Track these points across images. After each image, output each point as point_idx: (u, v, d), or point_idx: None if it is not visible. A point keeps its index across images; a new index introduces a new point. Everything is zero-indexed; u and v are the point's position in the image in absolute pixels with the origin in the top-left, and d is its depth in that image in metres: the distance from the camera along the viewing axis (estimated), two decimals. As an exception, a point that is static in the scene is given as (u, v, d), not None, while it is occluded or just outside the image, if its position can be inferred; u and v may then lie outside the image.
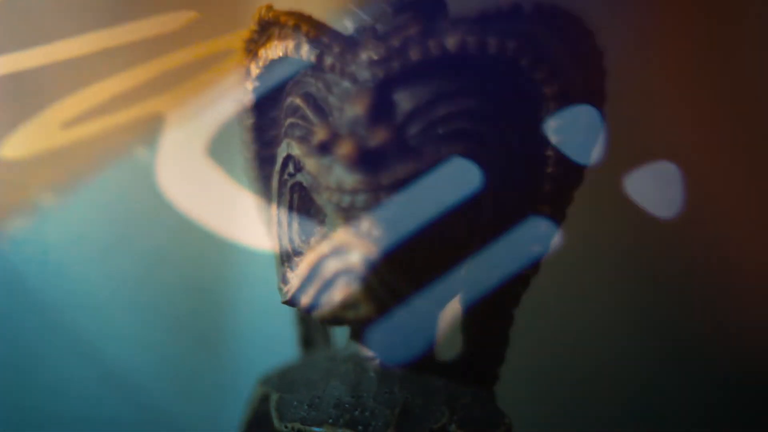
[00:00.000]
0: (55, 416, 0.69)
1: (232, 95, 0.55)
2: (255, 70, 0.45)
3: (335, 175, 0.39)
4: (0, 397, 0.69)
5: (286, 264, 0.43)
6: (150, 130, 0.66)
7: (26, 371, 0.69)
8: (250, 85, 0.45)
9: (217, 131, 0.65)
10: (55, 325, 0.68)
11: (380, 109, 0.39)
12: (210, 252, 0.69)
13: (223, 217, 0.66)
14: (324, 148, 0.39)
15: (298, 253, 0.42)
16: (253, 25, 0.44)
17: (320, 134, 0.39)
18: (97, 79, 0.62)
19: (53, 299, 0.68)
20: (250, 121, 0.46)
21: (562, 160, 0.42)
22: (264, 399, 0.46)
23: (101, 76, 0.62)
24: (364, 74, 0.39)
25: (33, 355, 0.69)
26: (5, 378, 0.69)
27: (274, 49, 0.43)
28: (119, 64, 0.62)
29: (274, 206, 0.44)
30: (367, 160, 0.38)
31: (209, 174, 0.65)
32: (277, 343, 0.57)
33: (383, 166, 0.38)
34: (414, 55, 0.39)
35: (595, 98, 0.42)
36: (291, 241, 0.43)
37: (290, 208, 0.43)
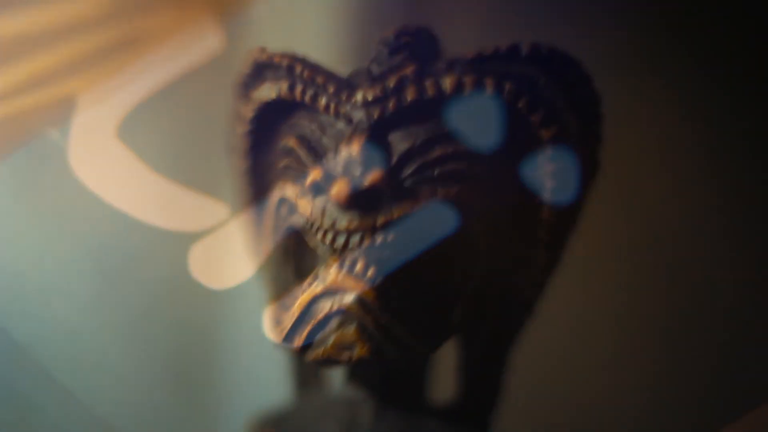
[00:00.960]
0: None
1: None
2: (248, 114, 0.44)
3: (329, 216, 0.39)
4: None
5: (279, 305, 0.42)
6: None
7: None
8: (242, 129, 0.45)
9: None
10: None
11: (375, 149, 0.39)
12: (194, 289, 0.68)
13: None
14: (317, 189, 0.39)
15: (291, 295, 0.42)
16: (245, 68, 0.44)
17: (314, 175, 0.39)
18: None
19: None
20: (243, 165, 0.46)
21: (557, 205, 0.42)
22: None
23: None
24: (359, 115, 0.39)
25: None
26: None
27: (268, 91, 0.42)
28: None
29: (267, 249, 0.44)
30: (361, 201, 0.38)
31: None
32: (266, 385, 0.57)
33: (378, 207, 0.38)
34: (410, 95, 0.38)
35: (591, 142, 0.42)
36: (284, 282, 0.42)
37: (284, 251, 0.42)
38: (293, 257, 0.42)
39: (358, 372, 0.44)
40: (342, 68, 0.42)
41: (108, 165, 0.65)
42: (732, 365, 0.62)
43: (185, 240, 0.65)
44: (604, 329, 0.63)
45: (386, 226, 0.38)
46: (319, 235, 0.39)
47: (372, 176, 0.38)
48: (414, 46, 0.40)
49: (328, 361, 0.40)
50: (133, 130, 0.64)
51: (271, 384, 0.57)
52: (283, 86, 0.41)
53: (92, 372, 0.69)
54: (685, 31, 0.58)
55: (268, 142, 0.44)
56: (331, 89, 0.40)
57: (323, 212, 0.39)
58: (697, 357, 0.63)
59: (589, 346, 0.63)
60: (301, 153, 0.41)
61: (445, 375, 0.47)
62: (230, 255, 0.64)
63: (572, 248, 0.44)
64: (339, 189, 0.38)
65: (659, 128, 0.59)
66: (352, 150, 0.39)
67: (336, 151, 0.39)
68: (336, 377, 0.46)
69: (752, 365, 0.62)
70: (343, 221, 0.38)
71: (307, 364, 0.47)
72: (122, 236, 0.68)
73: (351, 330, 0.39)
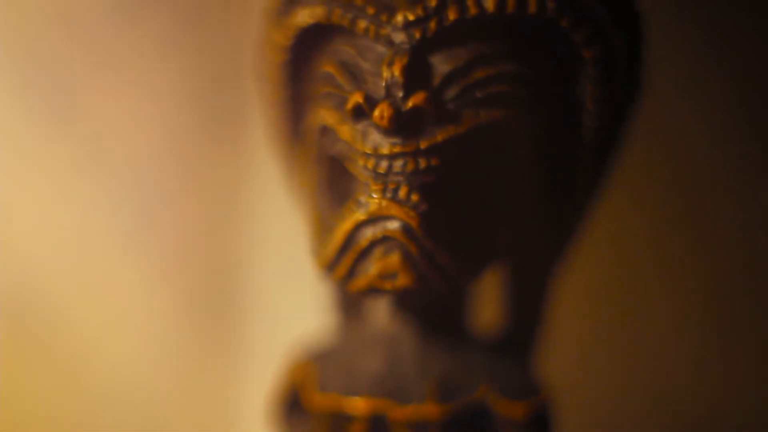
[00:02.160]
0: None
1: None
2: (284, 42, 0.43)
3: (371, 140, 0.38)
4: None
5: (320, 235, 0.42)
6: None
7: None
8: (279, 58, 0.44)
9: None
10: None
11: (417, 71, 0.38)
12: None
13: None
14: (359, 113, 0.38)
15: (332, 224, 0.41)
16: None
17: (355, 98, 0.38)
18: None
19: None
20: (279, 95, 0.45)
21: (601, 128, 0.41)
22: (301, 371, 0.45)
23: None
24: (400, 36, 0.38)
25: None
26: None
27: (304, 17, 0.42)
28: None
29: (307, 178, 0.43)
30: (403, 124, 0.37)
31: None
32: (306, 319, 0.57)
33: (421, 130, 0.38)
34: (451, 14, 0.38)
35: (634, 64, 0.41)
36: (325, 212, 0.42)
37: (324, 180, 0.42)
38: (336, 185, 0.41)
39: (401, 302, 0.43)
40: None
41: (130, 101, 0.65)
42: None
43: (215, 175, 0.65)
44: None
45: (429, 150, 0.38)
46: (362, 161, 0.39)
47: (414, 98, 0.37)
48: (456, -34, 0.39)
49: (371, 290, 0.39)
50: (156, 67, 0.64)
51: (310, 317, 0.57)
52: (320, 10, 0.40)
53: (117, 318, 0.69)
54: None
55: (307, 69, 0.43)
56: (371, 11, 0.39)
57: (365, 136, 0.38)
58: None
59: (632, 282, 0.62)
60: (341, 78, 0.40)
61: (487, 304, 0.46)
62: (263, 187, 0.64)
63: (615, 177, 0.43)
64: (381, 111, 0.37)
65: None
66: (394, 72, 0.38)
67: (377, 74, 0.39)
68: (378, 308, 0.45)
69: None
70: (386, 145, 0.38)
71: (349, 294, 0.47)
72: (147, 177, 0.68)
73: (395, 258, 0.38)
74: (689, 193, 0.61)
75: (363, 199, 0.39)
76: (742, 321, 0.63)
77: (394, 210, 0.38)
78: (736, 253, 0.62)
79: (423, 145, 0.37)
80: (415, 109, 0.37)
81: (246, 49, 0.54)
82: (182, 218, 0.68)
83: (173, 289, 0.69)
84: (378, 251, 0.38)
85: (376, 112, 0.37)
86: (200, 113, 0.66)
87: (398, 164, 0.38)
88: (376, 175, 0.38)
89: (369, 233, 0.38)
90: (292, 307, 0.66)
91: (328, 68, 0.41)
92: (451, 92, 0.38)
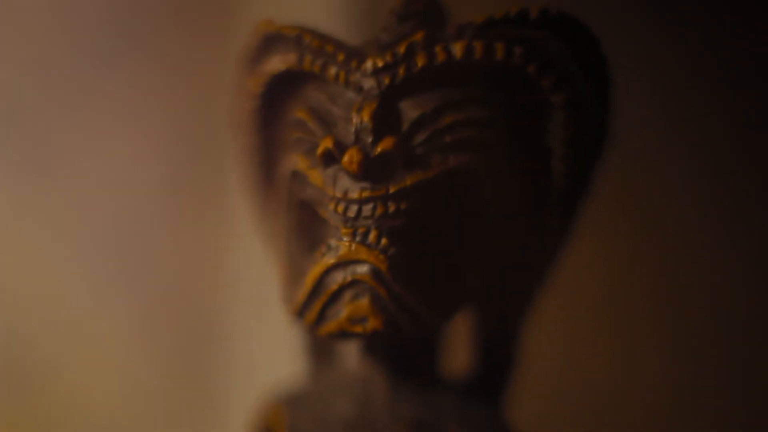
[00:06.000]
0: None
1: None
2: (256, 89, 0.44)
3: (341, 185, 0.38)
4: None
5: (290, 280, 0.42)
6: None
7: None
8: (250, 105, 0.44)
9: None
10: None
11: (386, 117, 0.38)
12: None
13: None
14: (329, 159, 0.39)
15: (302, 268, 0.41)
16: (253, 41, 0.43)
17: (325, 144, 0.39)
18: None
19: None
20: (250, 141, 0.45)
21: (569, 171, 0.41)
22: (272, 415, 0.45)
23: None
24: (369, 83, 0.39)
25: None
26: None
27: (276, 64, 0.42)
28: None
29: (277, 223, 0.44)
30: (373, 169, 0.38)
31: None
32: (278, 365, 0.56)
33: (390, 175, 0.38)
34: (420, 61, 0.38)
35: (602, 108, 0.42)
36: (295, 257, 0.42)
37: (295, 225, 0.42)
38: (305, 230, 0.42)
39: (371, 346, 0.43)
40: (351, 41, 0.42)
41: (110, 147, 0.65)
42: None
43: (190, 223, 0.65)
44: (618, 309, 0.63)
45: (398, 195, 0.38)
46: (332, 205, 0.39)
47: (383, 143, 0.38)
48: (423, 14, 0.40)
49: (342, 334, 0.40)
50: (133, 116, 0.64)
51: (282, 363, 0.57)
52: (292, 57, 0.41)
53: (97, 367, 0.69)
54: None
55: (278, 116, 0.44)
56: (341, 58, 0.39)
57: (335, 181, 0.39)
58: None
59: (604, 323, 0.63)
60: (312, 124, 0.40)
61: (458, 347, 0.46)
62: (237, 235, 0.64)
63: (585, 217, 0.44)
64: (350, 157, 0.38)
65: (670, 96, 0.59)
66: (363, 118, 0.38)
67: (347, 120, 0.39)
68: (349, 352, 0.45)
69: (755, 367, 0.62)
70: (355, 190, 0.38)
71: (319, 339, 0.47)
72: (124, 227, 0.68)
73: (364, 301, 0.38)
74: (656, 237, 0.62)
75: (333, 243, 0.39)
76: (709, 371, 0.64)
77: (364, 254, 0.38)
78: (699, 299, 0.62)
79: (392, 189, 0.38)
80: (384, 154, 0.38)
81: (223, 97, 0.54)
82: (159, 268, 0.68)
83: (151, 338, 0.69)
84: (348, 295, 0.39)
85: (346, 158, 0.38)
86: (178, 162, 0.67)
87: (367, 209, 0.38)
88: (346, 220, 0.38)
89: (339, 277, 0.39)
90: (268, 354, 0.66)
91: (300, 114, 0.42)
92: (419, 137, 0.38)
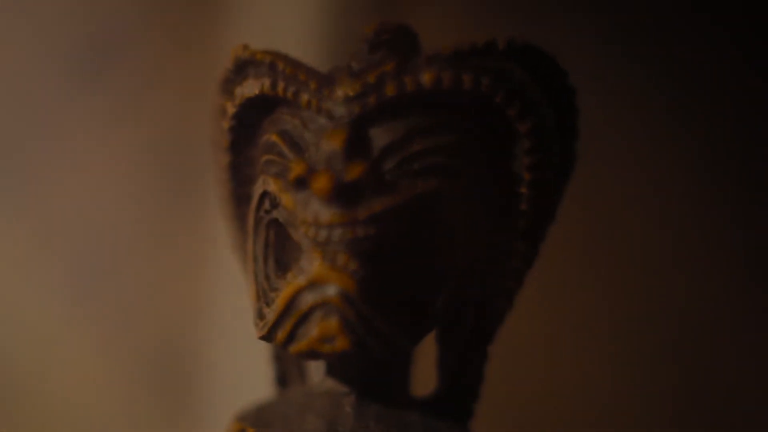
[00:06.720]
0: None
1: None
2: (231, 109, 0.45)
3: (312, 210, 0.39)
4: None
5: (262, 300, 0.43)
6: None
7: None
8: (226, 124, 0.45)
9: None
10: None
11: (356, 144, 0.39)
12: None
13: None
14: (300, 183, 0.40)
15: (274, 289, 0.42)
16: (229, 65, 0.44)
17: (297, 169, 0.39)
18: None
19: None
20: (226, 160, 0.46)
21: (536, 196, 0.42)
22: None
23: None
24: (340, 110, 0.40)
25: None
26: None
27: (250, 88, 0.43)
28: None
29: (250, 243, 0.44)
30: (343, 194, 0.39)
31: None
32: (249, 383, 0.57)
33: (359, 200, 0.39)
34: (390, 90, 0.39)
35: (568, 135, 0.43)
36: (267, 277, 0.43)
37: (266, 245, 0.43)
38: (276, 251, 0.42)
39: (339, 365, 0.44)
40: (323, 66, 0.43)
41: (86, 167, 0.65)
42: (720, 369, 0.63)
43: (168, 239, 0.65)
44: (582, 324, 0.64)
45: (368, 220, 0.39)
46: (302, 229, 0.40)
47: (353, 170, 0.39)
48: (393, 43, 0.41)
49: (311, 354, 0.41)
50: (111, 134, 0.65)
51: (253, 382, 0.58)
52: (266, 83, 0.42)
53: (69, 381, 0.69)
54: (663, 27, 0.59)
55: (251, 137, 0.45)
56: (313, 85, 0.40)
57: (306, 206, 0.39)
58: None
59: (567, 340, 0.64)
60: (284, 148, 0.41)
61: (426, 368, 0.47)
62: (211, 253, 0.65)
63: (550, 242, 0.45)
64: (321, 183, 0.38)
65: (635, 122, 0.60)
66: (334, 145, 0.39)
67: (318, 146, 0.40)
68: (318, 371, 0.46)
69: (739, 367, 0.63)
70: (326, 215, 0.39)
71: (289, 358, 0.48)
72: (101, 242, 0.68)
73: (333, 322, 0.39)
74: (621, 261, 0.63)
75: (304, 265, 0.40)
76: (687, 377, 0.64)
77: (333, 277, 0.39)
78: (668, 319, 0.63)
79: (361, 215, 0.39)
80: (354, 180, 0.39)
81: (202, 116, 0.55)
82: (136, 283, 0.69)
83: (128, 354, 0.69)
84: (318, 315, 0.40)
85: (316, 184, 0.38)
86: (154, 180, 0.67)
87: (337, 233, 0.39)
88: (316, 243, 0.39)
89: (310, 299, 0.40)
90: (243, 371, 0.67)
91: (273, 137, 0.43)
92: (389, 164, 0.40)
